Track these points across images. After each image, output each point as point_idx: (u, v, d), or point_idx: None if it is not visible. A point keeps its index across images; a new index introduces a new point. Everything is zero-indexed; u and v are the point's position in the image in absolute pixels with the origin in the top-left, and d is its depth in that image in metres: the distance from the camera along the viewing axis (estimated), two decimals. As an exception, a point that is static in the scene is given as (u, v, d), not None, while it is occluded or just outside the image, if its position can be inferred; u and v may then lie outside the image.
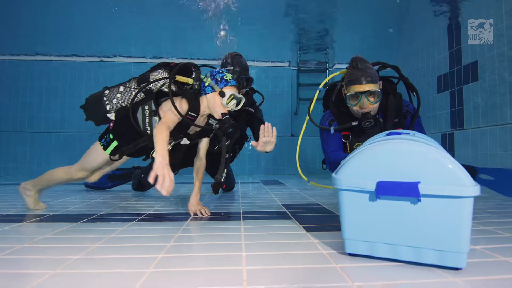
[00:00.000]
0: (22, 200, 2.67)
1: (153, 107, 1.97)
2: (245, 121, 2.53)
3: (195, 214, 2.05)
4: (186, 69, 2.01)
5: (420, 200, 1.02)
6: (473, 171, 2.19)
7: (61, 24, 5.48)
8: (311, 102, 2.25)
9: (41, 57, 6.12)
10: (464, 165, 2.35)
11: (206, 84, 1.96)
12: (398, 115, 2.04)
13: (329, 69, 6.70)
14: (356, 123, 1.98)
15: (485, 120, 4.00)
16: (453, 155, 4.55)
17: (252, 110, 2.54)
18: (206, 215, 2.02)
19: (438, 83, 4.99)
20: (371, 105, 1.91)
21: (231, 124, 1.92)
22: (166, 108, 1.94)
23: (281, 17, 5.76)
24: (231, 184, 3.33)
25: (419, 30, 5.42)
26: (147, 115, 1.98)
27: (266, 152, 1.98)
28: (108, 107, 2.02)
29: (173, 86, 2.00)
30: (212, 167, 2.76)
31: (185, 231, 1.63)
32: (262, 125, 1.94)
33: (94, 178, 2.38)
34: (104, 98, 2.02)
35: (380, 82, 1.98)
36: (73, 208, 2.34)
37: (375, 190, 1.07)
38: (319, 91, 2.18)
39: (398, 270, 1.05)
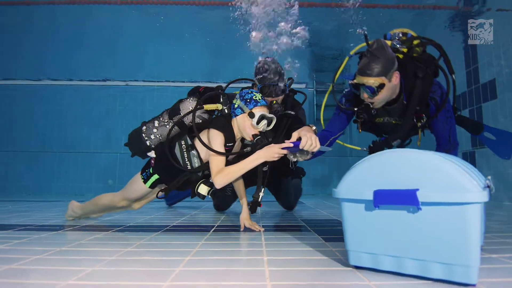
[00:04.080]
0: (55, 214, 2.84)
1: (189, 141, 1.98)
2: (287, 126, 2.30)
3: (246, 228, 2.04)
4: (213, 95, 2.02)
5: (420, 209, 0.99)
6: (480, 127, 2.17)
7: (89, 50, 5.92)
8: (338, 70, 2.20)
9: (68, 82, 6.53)
10: (471, 120, 2.29)
11: (236, 105, 1.92)
12: (422, 102, 1.93)
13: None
14: (356, 109, 1.97)
15: (507, 138, 3.94)
16: (475, 174, 4.48)
17: (293, 112, 2.32)
18: (258, 230, 1.98)
19: (456, 102, 4.98)
20: (369, 98, 1.85)
21: (263, 144, 1.83)
22: (205, 140, 1.91)
23: (299, 36, 5.98)
24: (290, 202, 3.13)
25: (435, 50, 5.48)
26: (184, 150, 1.98)
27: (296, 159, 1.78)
28: (148, 143, 2.06)
29: (205, 115, 2.03)
30: (273, 182, 2.75)
31: (209, 240, 1.72)
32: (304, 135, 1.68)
33: (137, 206, 2.37)
34: (143, 135, 2.05)
35: (396, 73, 1.84)
36: (103, 220, 2.47)
37: (373, 199, 1.06)
38: (349, 58, 2.13)
39: (415, 273, 1.09)
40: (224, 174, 1.80)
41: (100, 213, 2.53)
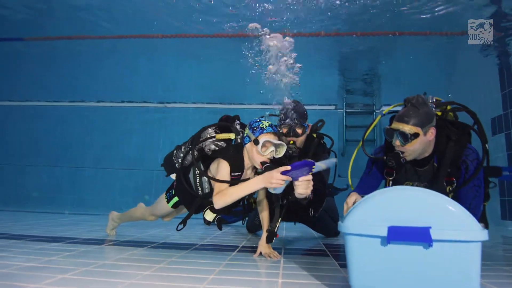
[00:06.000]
0: (97, 228, 3.14)
1: (202, 168, 2.03)
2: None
3: (261, 254, 2.00)
4: (226, 125, 2.09)
5: (431, 245, 1.07)
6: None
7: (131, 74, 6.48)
8: (369, 127, 2.21)
9: (111, 104, 7.13)
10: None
11: (245, 134, 1.98)
12: (453, 164, 1.87)
13: (376, 111, 6.78)
14: (385, 157, 1.93)
15: (546, 165, 3.77)
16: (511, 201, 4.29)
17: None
18: (276, 259, 1.93)
19: (492, 125, 4.84)
20: (401, 146, 1.83)
21: None
22: (214, 169, 2.02)
23: (327, 62, 6.12)
24: (329, 229, 2.98)
25: (469, 72, 5.39)
26: (197, 175, 2.07)
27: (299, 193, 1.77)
28: (177, 165, 2.19)
29: (222, 143, 2.09)
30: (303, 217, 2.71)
31: (232, 260, 1.88)
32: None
33: (166, 219, 2.56)
34: (173, 158, 2.21)
35: (432, 129, 1.83)
36: (139, 236, 2.72)
37: (387, 235, 1.10)
38: (381, 116, 2.18)
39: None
40: (222, 194, 1.82)
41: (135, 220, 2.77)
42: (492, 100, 4.81)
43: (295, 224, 2.86)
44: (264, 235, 2.06)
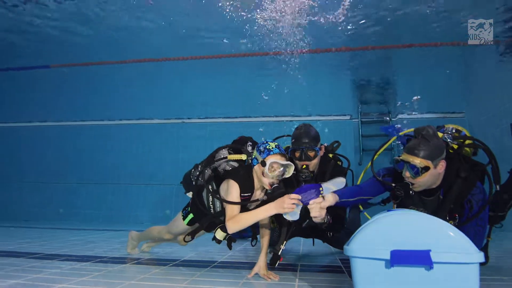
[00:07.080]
0: (118, 245, 3.28)
1: (214, 187, 2.12)
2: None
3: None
4: (238, 148, 2.14)
5: (432, 268, 1.15)
6: None
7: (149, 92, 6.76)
8: (382, 146, 2.21)
9: (130, 121, 7.45)
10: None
11: (253, 156, 2.02)
12: (457, 201, 1.88)
13: (392, 119, 6.74)
14: (394, 185, 1.96)
15: None
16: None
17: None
18: (275, 279, 1.95)
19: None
20: (411, 178, 1.83)
21: (280, 192, 1.89)
22: (224, 189, 2.06)
23: (341, 72, 6.17)
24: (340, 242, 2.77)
25: (486, 77, 5.30)
26: (210, 193, 2.11)
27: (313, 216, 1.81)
28: (194, 183, 2.25)
29: (235, 163, 2.11)
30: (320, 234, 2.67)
31: (250, 278, 1.96)
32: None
33: (181, 239, 2.55)
34: (191, 176, 2.28)
35: (442, 162, 1.82)
36: (160, 254, 2.84)
37: (390, 258, 1.19)
38: (396, 137, 2.18)
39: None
40: (235, 220, 1.88)
41: (154, 244, 2.87)
42: (511, 105, 4.72)
43: (313, 244, 2.87)
44: (262, 257, 2.05)
